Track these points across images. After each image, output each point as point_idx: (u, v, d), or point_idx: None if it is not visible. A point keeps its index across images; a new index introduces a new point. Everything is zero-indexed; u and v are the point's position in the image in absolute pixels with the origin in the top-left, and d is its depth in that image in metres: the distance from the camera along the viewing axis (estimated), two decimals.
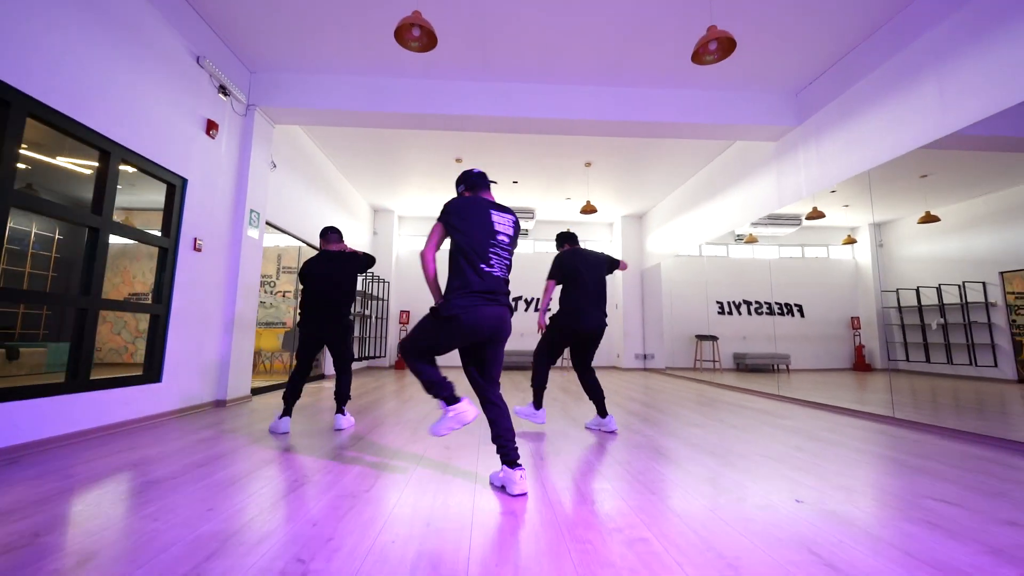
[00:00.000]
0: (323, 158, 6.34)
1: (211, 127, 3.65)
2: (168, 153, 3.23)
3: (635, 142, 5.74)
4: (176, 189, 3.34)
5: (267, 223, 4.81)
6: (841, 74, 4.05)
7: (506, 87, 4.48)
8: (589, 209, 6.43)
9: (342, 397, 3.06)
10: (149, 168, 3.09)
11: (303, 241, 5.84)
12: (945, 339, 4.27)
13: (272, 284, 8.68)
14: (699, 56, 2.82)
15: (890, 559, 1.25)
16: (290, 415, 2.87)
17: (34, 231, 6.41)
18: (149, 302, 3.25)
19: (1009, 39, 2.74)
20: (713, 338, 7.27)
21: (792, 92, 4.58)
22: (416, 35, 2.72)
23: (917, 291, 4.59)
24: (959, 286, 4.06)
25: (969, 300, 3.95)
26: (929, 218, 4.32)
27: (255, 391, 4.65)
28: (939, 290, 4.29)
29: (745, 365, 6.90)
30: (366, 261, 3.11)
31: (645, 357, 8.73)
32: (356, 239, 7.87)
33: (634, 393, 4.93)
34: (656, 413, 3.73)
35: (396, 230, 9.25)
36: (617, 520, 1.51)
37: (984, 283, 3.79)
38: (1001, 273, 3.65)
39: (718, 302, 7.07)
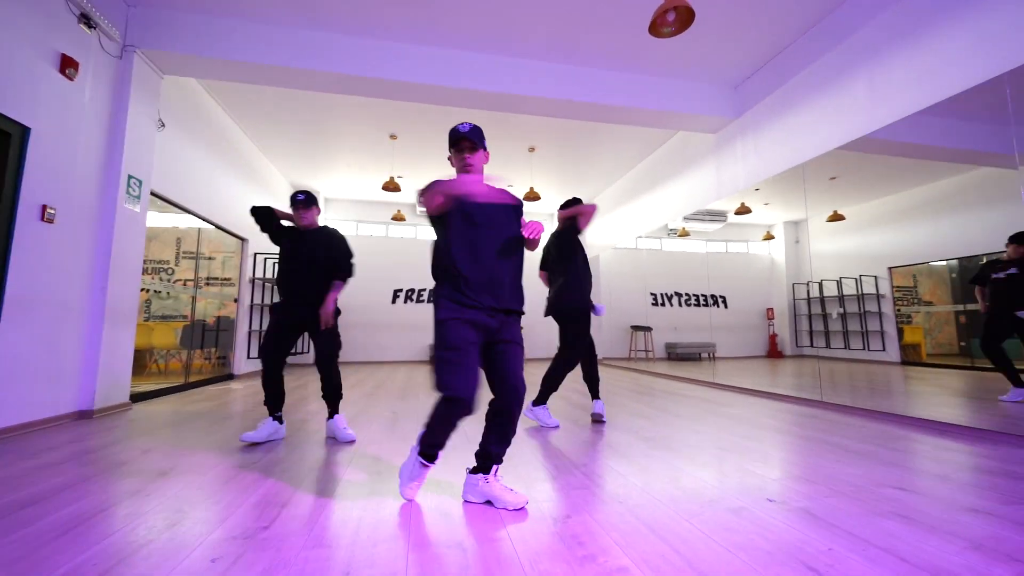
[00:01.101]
0: (232, 125, 5.48)
1: (68, 64, 2.86)
2: None
3: (580, 128, 5.59)
4: (11, 139, 2.55)
5: (157, 195, 3.99)
6: (778, 68, 4.16)
7: (450, 54, 4.07)
8: (532, 196, 6.21)
9: (333, 395, 2.50)
10: None
11: (208, 221, 5.00)
12: (843, 327, 4.65)
13: (170, 271, 7.48)
14: (656, 28, 2.65)
15: (888, 568, 1.12)
16: (279, 419, 2.40)
17: None
18: None
19: (937, 36, 2.88)
20: (648, 329, 7.44)
21: (732, 84, 4.66)
22: None
23: (820, 284, 4.97)
24: (856, 279, 4.41)
25: (864, 291, 4.30)
26: (836, 217, 4.63)
27: (140, 396, 3.86)
28: (839, 283, 4.65)
29: (676, 354, 7.14)
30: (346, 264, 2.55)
31: None
32: None
33: (574, 384, 4.80)
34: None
35: (324, 213, 8.41)
36: (589, 546, 1.26)
37: (876, 277, 4.14)
38: (889, 268, 4.01)
39: (652, 293, 7.24)
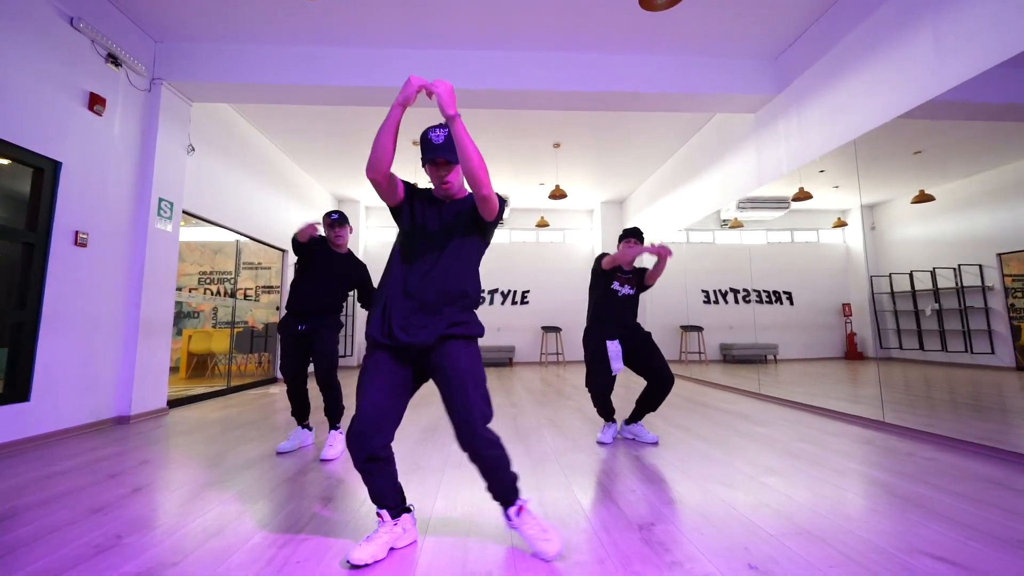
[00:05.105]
0: (268, 143, 5.82)
1: (96, 102, 3.14)
2: (29, 131, 2.72)
3: (606, 120, 5.24)
4: (44, 175, 2.84)
5: (189, 214, 4.31)
6: (823, 32, 3.57)
7: (451, 55, 3.97)
8: (558, 194, 5.95)
9: (335, 411, 2.46)
10: None
11: (244, 235, 5.35)
12: (940, 325, 3.93)
13: (231, 282, 8.18)
14: (647, 0, 2.34)
15: None
16: (307, 427, 2.53)
17: None
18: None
19: None
20: (698, 329, 6.88)
21: (771, 56, 4.09)
22: None
23: (910, 275, 4.25)
24: (954, 269, 3.70)
25: (965, 284, 3.59)
26: (923, 197, 3.91)
27: (189, 400, 4.19)
28: (934, 274, 3.93)
29: (732, 356, 6.51)
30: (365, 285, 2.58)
31: None
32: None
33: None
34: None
35: (363, 221, 8.75)
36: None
37: (980, 266, 3.43)
38: (999, 255, 3.29)
39: (703, 291, 6.67)
